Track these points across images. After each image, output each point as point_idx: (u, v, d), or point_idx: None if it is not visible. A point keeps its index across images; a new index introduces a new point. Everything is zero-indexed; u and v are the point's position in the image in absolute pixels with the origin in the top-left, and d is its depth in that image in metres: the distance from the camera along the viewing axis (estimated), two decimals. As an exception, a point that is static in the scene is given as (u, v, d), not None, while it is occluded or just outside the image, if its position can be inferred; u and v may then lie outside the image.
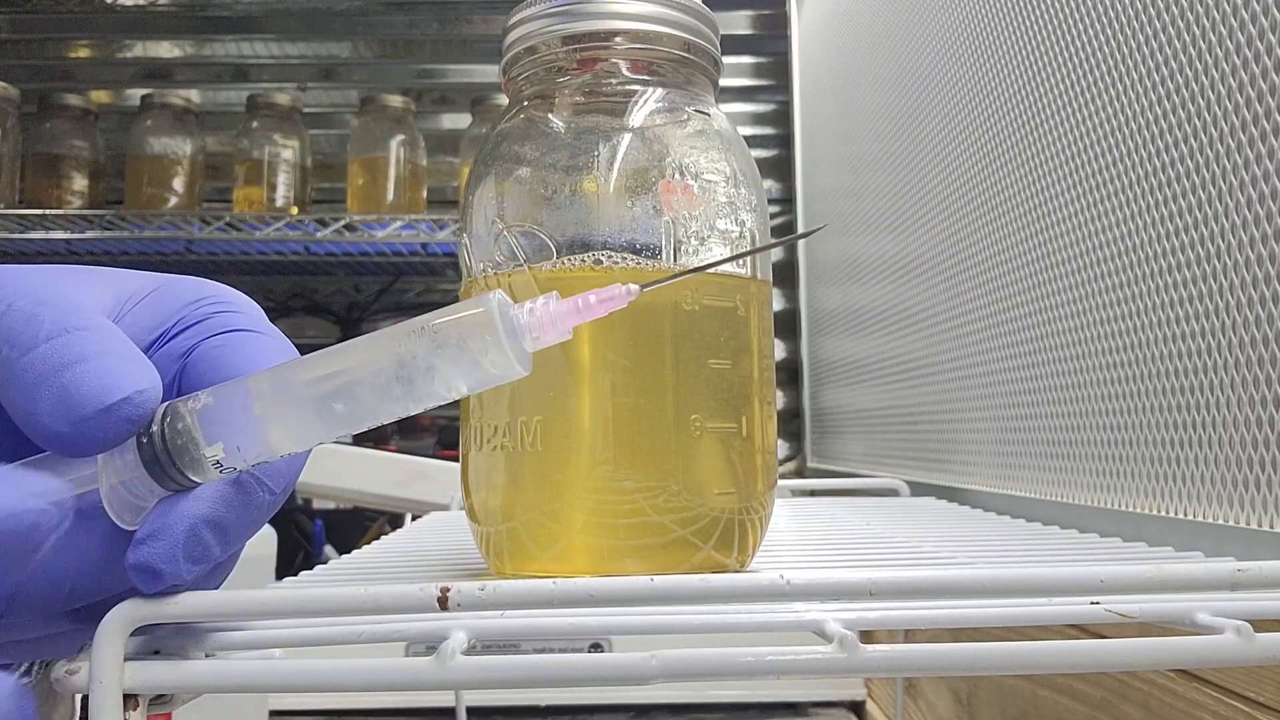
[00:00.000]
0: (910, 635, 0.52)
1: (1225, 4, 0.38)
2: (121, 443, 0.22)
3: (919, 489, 0.73)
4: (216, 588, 0.26)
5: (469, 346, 0.22)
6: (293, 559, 1.26)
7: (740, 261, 0.34)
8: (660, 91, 0.35)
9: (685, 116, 0.35)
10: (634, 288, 0.24)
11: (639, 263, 0.32)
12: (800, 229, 1.40)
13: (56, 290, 0.24)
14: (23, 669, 0.34)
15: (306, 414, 0.23)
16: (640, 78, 0.34)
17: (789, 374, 1.40)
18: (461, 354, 0.22)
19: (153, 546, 0.22)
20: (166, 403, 0.23)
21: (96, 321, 0.23)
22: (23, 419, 0.22)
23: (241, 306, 0.27)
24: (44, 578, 0.22)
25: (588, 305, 0.24)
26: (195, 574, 0.23)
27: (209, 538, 0.23)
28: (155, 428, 0.23)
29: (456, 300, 0.25)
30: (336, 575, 0.37)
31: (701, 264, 0.32)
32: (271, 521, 0.26)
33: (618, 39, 0.34)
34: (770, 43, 1.48)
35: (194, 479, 0.23)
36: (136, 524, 0.23)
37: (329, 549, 1.31)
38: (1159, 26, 0.43)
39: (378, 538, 0.72)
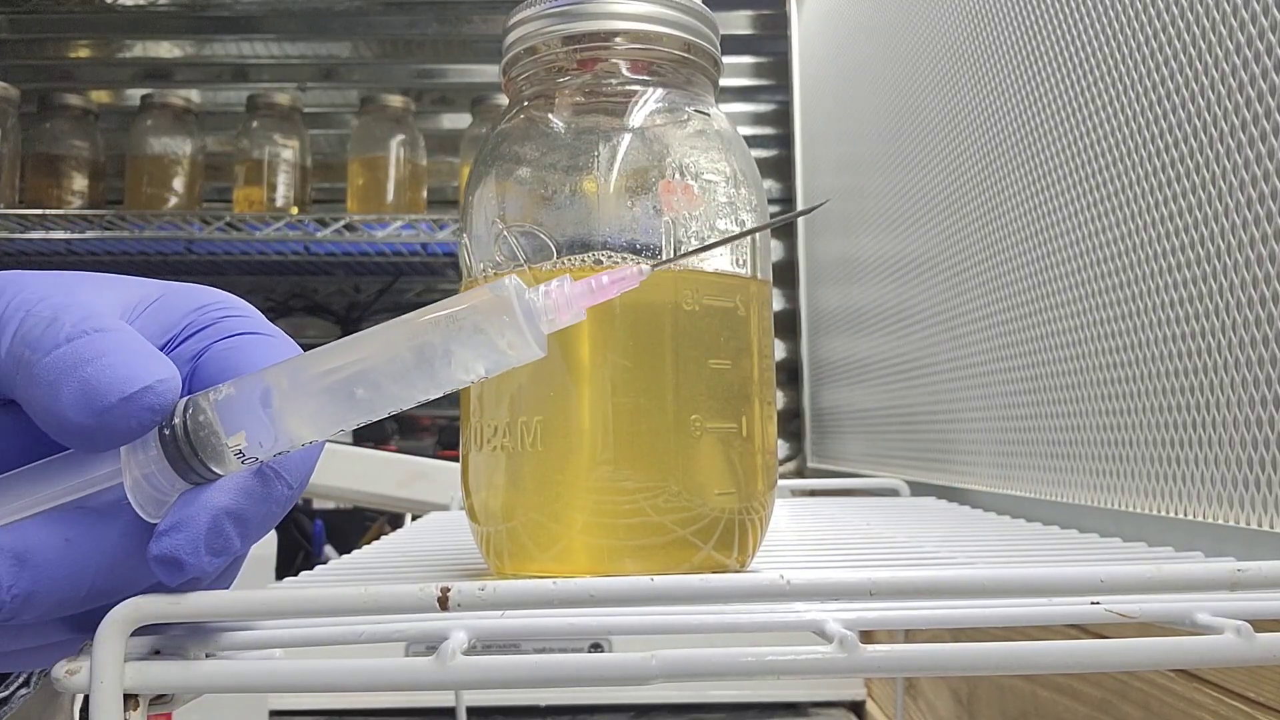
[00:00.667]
0: (910, 635, 0.52)
1: (1225, 4, 0.38)
2: (144, 433, 0.23)
3: (919, 489, 0.73)
4: (227, 587, 0.26)
5: (486, 329, 0.23)
6: (293, 559, 1.26)
7: (740, 262, 0.34)
8: (660, 91, 0.34)
9: (685, 116, 0.35)
10: (645, 267, 0.24)
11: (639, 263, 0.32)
12: (800, 230, 1.40)
13: (72, 295, 0.24)
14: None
15: (326, 401, 0.23)
16: (640, 78, 0.34)
17: (789, 374, 1.40)
18: (479, 337, 0.23)
19: (175, 538, 0.22)
20: (187, 397, 0.24)
21: (113, 323, 0.24)
22: (45, 417, 0.22)
23: (246, 311, 0.27)
24: (64, 574, 0.23)
25: (601, 286, 0.24)
26: (216, 565, 0.23)
27: (230, 529, 0.23)
28: (177, 420, 0.23)
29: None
30: (336, 575, 0.37)
31: (712, 241, 0.32)
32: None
33: (618, 39, 0.34)
34: (770, 43, 1.48)
35: (216, 470, 0.23)
36: (159, 517, 0.23)
37: (329, 549, 1.31)
38: (1159, 26, 0.43)
39: (378, 538, 0.72)
